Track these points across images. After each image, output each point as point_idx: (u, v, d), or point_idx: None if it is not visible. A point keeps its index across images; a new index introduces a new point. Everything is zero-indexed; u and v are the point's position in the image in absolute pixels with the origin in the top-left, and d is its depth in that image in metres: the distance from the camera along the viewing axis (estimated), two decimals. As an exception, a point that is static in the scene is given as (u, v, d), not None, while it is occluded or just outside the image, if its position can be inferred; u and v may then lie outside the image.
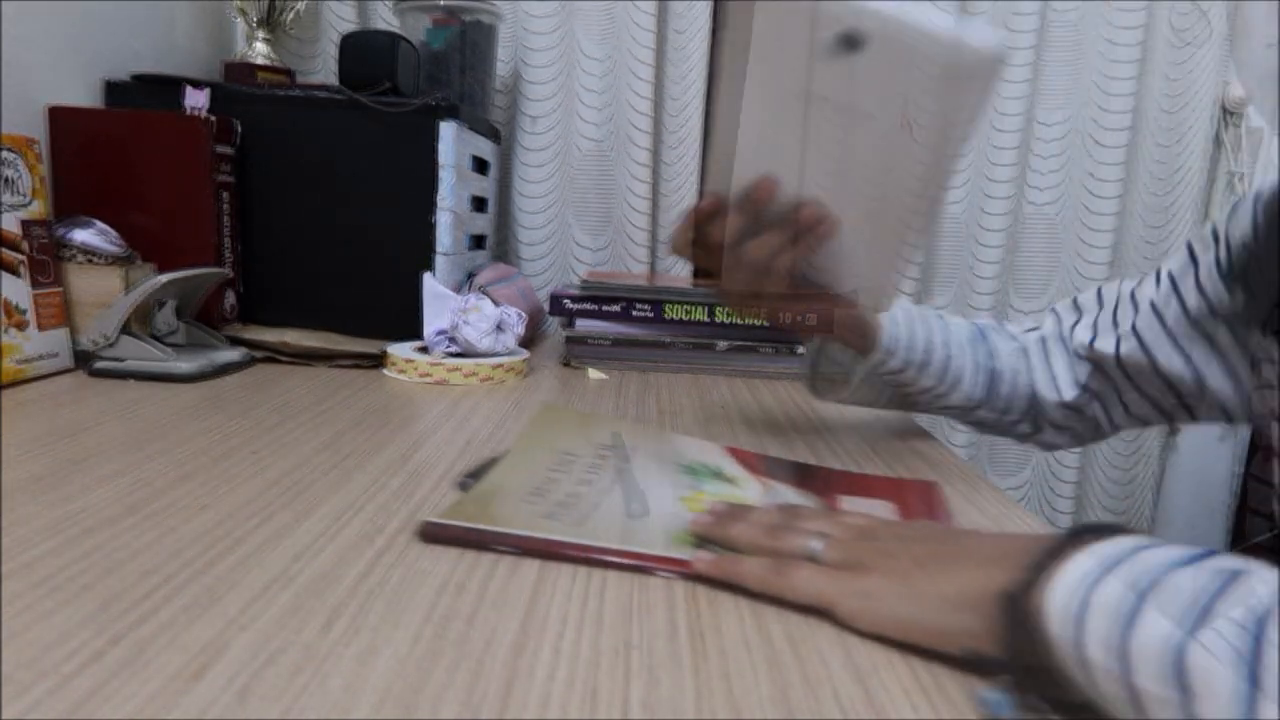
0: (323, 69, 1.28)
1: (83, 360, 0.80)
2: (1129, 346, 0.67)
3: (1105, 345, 0.69)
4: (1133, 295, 0.69)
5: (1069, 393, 0.71)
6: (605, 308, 1.02)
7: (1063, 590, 0.32)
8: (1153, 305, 0.67)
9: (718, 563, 0.43)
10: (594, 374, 0.97)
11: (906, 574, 0.38)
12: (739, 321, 1.01)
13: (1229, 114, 1.37)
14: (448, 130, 0.98)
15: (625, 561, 0.44)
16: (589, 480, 0.55)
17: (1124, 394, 0.70)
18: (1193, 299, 0.64)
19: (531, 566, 0.43)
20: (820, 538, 0.43)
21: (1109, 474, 1.46)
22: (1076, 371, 0.72)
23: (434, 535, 0.46)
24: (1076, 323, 0.72)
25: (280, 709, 0.30)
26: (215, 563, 0.41)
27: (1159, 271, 0.68)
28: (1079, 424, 0.74)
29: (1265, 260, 0.56)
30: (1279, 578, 0.28)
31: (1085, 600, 0.31)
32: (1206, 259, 0.63)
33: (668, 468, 0.59)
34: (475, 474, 0.55)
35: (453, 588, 0.40)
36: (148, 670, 0.32)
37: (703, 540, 0.46)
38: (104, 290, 0.83)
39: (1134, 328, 0.67)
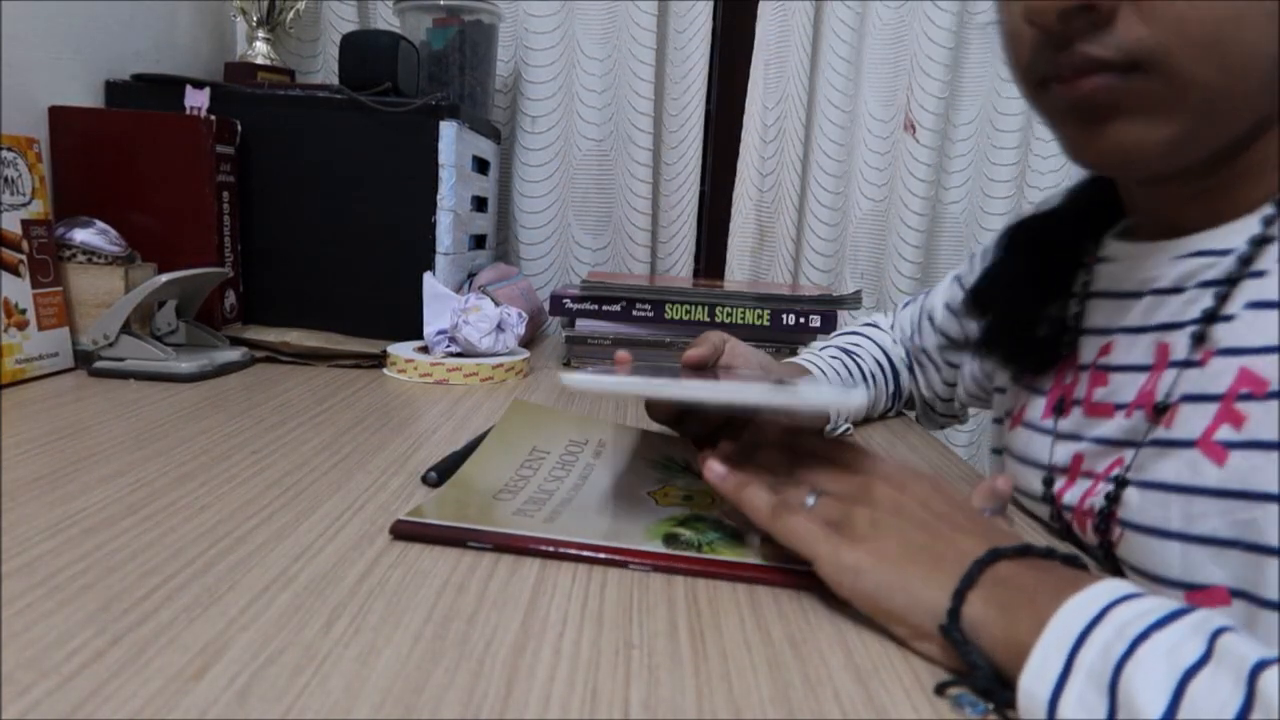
0: (323, 69, 1.28)
1: (83, 360, 0.80)
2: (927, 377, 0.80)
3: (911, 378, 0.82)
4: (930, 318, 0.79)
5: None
6: (606, 308, 1.02)
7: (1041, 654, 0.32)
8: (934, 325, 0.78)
9: (728, 478, 0.45)
10: None
11: (895, 560, 0.39)
12: (739, 322, 1.01)
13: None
14: (448, 130, 0.98)
15: (596, 555, 0.44)
16: (559, 477, 0.55)
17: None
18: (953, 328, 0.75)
19: (531, 566, 0.43)
20: (816, 494, 0.44)
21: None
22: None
23: (405, 533, 0.46)
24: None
25: (281, 709, 0.30)
26: (215, 563, 0.41)
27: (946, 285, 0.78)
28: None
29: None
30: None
31: (1068, 663, 0.31)
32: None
33: (638, 463, 0.59)
34: (439, 469, 0.55)
35: (453, 588, 0.40)
36: (148, 670, 0.32)
37: (673, 535, 0.47)
38: (104, 290, 0.83)
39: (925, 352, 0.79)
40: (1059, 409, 0.55)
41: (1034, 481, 0.56)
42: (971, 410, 0.85)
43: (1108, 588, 0.33)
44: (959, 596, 0.36)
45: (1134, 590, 0.33)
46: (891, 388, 0.81)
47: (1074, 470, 0.53)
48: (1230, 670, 0.28)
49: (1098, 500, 0.49)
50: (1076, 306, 0.56)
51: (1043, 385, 0.58)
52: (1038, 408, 0.57)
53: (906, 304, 0.84)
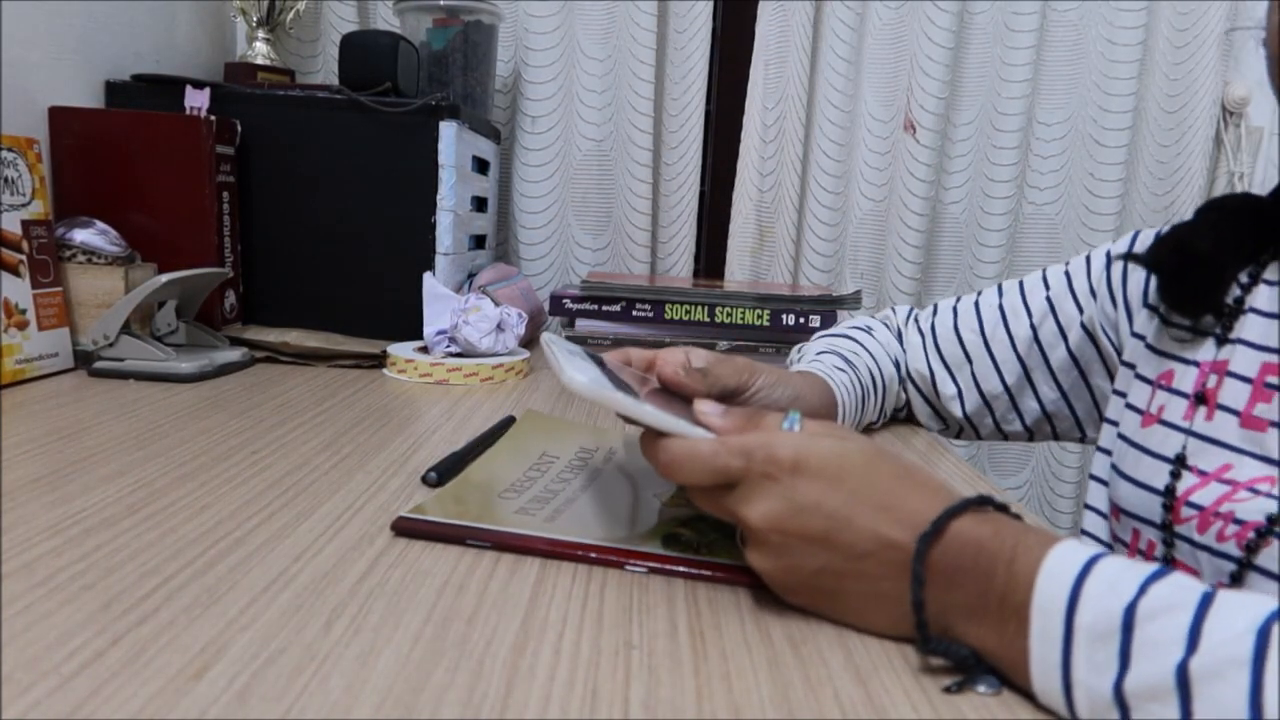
0: (323, 69, 1.28)
1: (83, 360, 0.80)
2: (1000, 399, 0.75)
3: (972, 404, 0.77)
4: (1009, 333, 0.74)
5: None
6: (606, 308, 1.02)
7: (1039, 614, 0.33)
8: (1035, 336, 0.72)
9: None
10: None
11: (837, 606, 0.39)
12: (739, 322, 1.01)
13: (1229, 114, 1.37)
14: (448, 130, 0.98)
15: (588, 555, 0.44)
16: (567, 479, 0.55)
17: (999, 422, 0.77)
18: (1076, 334, 0.70)
19: (531, 566, 0.43)
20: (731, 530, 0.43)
21: (1109, 474, 1.46)
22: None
23: (406, 530, 0.46)
24: (936, 366, 0.78)
25: (281, 709, 0.30)
26: (215, 563, 0.41)
27: (1026, 294, 0.74)
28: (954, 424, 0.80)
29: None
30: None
31: (1068, 626, 0.32)
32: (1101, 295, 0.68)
33: (649, 468, 0.59)
34: (439, 469, 0.55)
35: (453, 588, 0.40)
36: (148, 670, 0.32)
37: (673, 535, 0.47)
38: (105, 290, 0.83)
39: (1012, 364, 0.74)
40: (1199, 401, 0.55)
41: (1156, 475, 0.56)
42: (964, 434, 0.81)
43: (1065, 552, 0.34)
44: (922, 626, 0.36)
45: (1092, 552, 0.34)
46: (881, 402, 0.77)
47: (1214, 474, 0.52)
48: (1244, 605, 0.29)
49: (1245, 508, 0.49)
50: (1243, 289, 0.55)
51: (1182, 387, 0.57)
52: (1179, 408, 0.56)
53: (937, 308, 0.80)
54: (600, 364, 0.51)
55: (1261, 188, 1.37)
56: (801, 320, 1.01)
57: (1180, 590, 0.31)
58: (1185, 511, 0.52)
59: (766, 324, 1.01)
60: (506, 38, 1.29)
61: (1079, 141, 1.36)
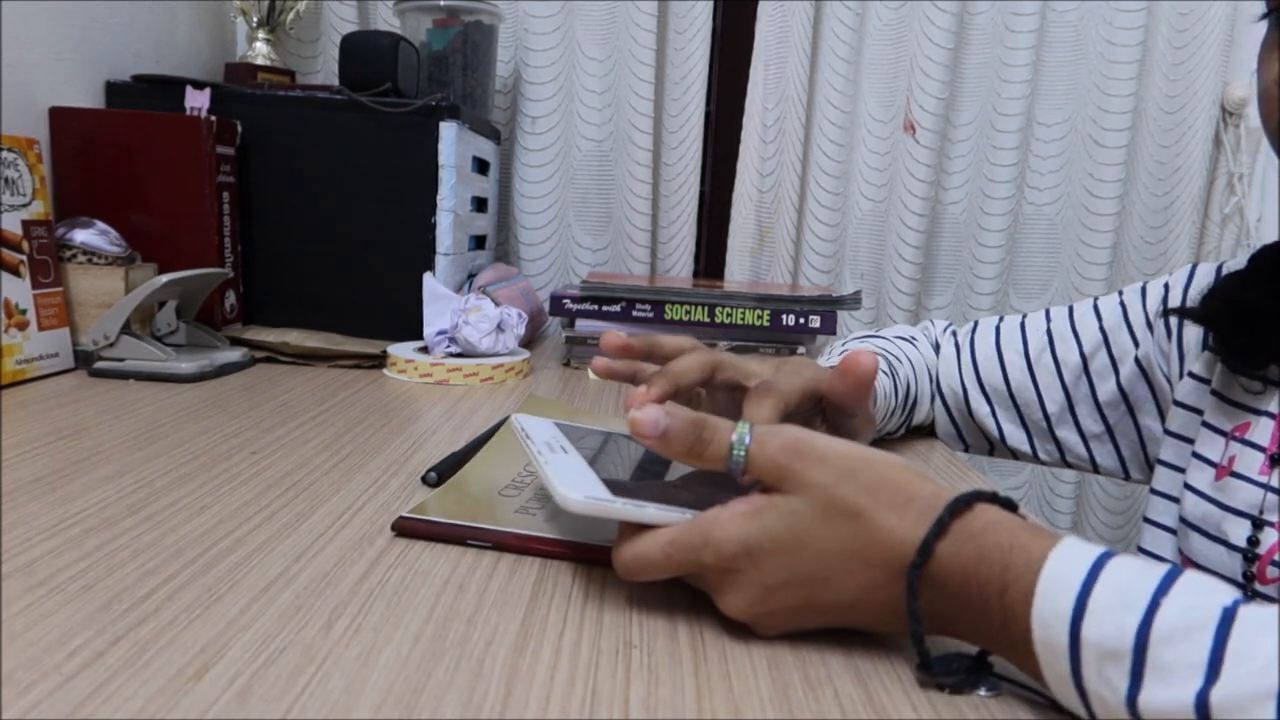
0: (323, 70, 1.28)
1: (83, 360, 0.80)
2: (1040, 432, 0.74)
3: (1017, 440, 0.75)
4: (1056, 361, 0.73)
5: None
6: (606, 308, 1.02)
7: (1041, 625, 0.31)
8: (1085, 367, 0.71)
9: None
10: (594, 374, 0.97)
11: (832, 620, 0.38)
12: (739, 322, 1.01)
13: (1229, 114, 1.37)
14: (448, 131, 0.98)
15: (595, 556, 0.44)
16: None
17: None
18: (1129, 368, 0.69)
19: (531, 566, 0.43)
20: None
21: (1109, 474, 1.46)
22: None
23: (407, 530, 0.46)
24: (972, 395, 0.76)
25: (281, 709, 0.30)
26: (216, 563, 0.41)
27: (1078, 329, 0.72)
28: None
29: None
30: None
31: (1075, 638, 0.30)
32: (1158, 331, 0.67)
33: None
34: (439, 469, 0.55)
35: (453, 588, 0.40)
36: (148, 670, 0.32)
37: None
38: (105, 290, 0.83)
39: (1059, 401, 0.73)
40: (1275, 462, 0.54)
41: (1237, 531, 0.54)
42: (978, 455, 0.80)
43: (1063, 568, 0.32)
44: (924, 656, 0.34)
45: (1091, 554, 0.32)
46: (909, 415, 0.75)
47: None
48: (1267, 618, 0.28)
49: None
50: None
51: (1257, 439, 0.56)
52: (1254, 461, 0.55)
53: (977, 325, 0.78)
54: (573, 436, 0.50)
55: (1261, 188, 1.37)
56: (801, 320, 1.01)
57: (1198, 609, 0.29)
58: (1271, 571, 0.51)
59: (766, 324, 1.01)
60: (506, 38, 1.29)
61: (1078, 142, 1.36)
